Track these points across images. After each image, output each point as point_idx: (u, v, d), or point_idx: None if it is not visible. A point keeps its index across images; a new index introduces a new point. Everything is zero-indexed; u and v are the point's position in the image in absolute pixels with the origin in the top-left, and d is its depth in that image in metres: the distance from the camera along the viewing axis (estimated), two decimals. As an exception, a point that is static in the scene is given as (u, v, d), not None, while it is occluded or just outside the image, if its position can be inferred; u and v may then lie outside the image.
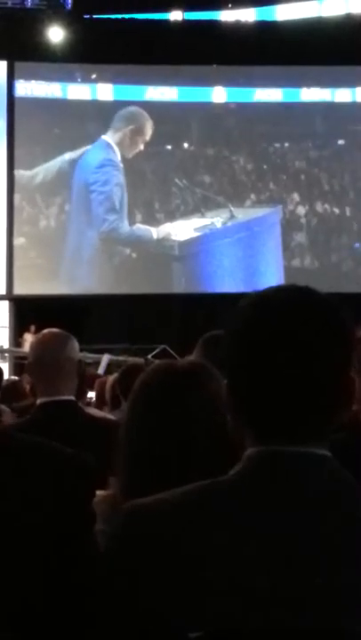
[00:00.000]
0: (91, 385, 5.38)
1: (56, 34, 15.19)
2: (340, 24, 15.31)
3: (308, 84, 16.45)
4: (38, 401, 3.00)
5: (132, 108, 15.98)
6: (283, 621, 1.17)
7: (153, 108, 16.00)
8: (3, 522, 1.55)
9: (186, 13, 15.95)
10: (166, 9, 15.72)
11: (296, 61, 15.33)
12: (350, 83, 16.54)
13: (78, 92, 16.16)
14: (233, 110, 16.45)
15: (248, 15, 16.07)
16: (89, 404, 4.59)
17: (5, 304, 15.63)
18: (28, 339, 13.17)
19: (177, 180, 16.07)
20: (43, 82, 15.90)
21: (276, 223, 16.21)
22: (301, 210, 16.44)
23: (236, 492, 1.25)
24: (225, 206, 16.00)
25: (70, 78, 16.12)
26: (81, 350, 3.24)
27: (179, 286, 15.75)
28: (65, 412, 2.96)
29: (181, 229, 15.84)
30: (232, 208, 15.95)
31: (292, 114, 16.29)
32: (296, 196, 16.40)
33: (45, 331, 3.14)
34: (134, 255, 15.86)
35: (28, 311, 13.87)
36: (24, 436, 1.82)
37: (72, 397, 3.00)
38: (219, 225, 16.00)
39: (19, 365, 12.68)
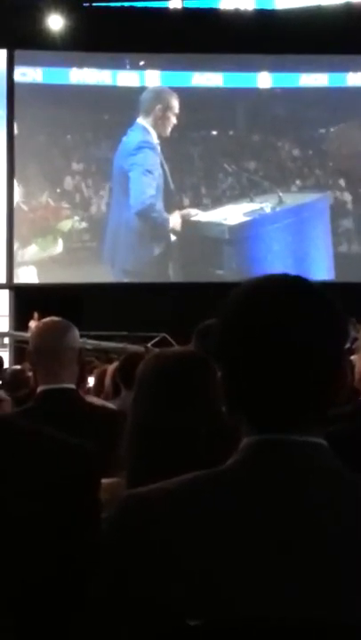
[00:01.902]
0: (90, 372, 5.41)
1: (56, 22, 15.14)
2: (339, 12, 15.25)
3: (355, 69, 16.26)
4: (39, 389, 3.01)
5: (154, 88, 16.04)
6: (283, 611, 1.17)
7: (199, 93, 15.98)
8: (3, 510, 1.57)
9: (185, 1, 15.90)
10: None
11: (296, 50, 15.26)
12: None
13: (127, 79, 16.24)
14: (279, 95, 16.34)
15: (247, 3, 16.01)
16: (88, 391, 4.61)
17: (5, 293, 15.65)
18: (33, 326, 13.17)
19: (226, 165, 16.04)
20: (94, 69, 16.01)
21: (325, 209, 16.09)
22: (348, 196, 16.30)
23: (234, 481, 1.25)
24: (273, 192, 15.93)
25: (119, 65, 16.20)
26: (80, 337, 3.27)
27: (230, 270, 15.67)
28: (65, 400, 2.98)
29: (231, 214, 15.80)
30: (281, 194, 15.88)
31: (338, 98, 16.10)
32: (342, 182, 16.28)
33: (46, 319, 3.16)
34: (184, 238, 15.86)
35: (28, 300, 13.85)
36: (27, 423, 1.84)
37: (73, 385, 3.02)
38: (268, 210, 15.93)
39: (20, 349, 12.64)
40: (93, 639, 1.27)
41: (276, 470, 1.25)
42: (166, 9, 15.76)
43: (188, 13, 15.54)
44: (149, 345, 7.93)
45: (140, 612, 1.20)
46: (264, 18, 15.36)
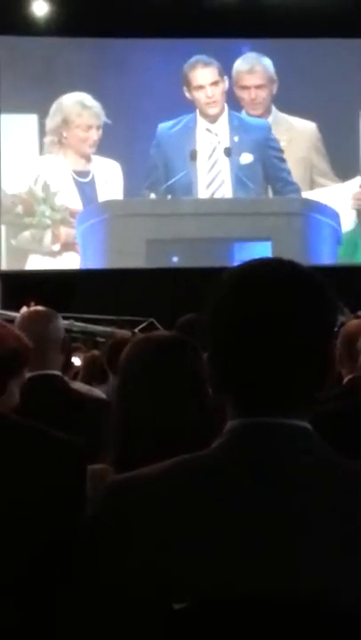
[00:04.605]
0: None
1: (40, 8, 15.01)
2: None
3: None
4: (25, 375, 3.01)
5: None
6: (265, 592, 1.17)
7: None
8: None
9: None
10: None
11: (281, 35, 15.17)
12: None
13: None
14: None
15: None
16: (75, 378, 4.62)
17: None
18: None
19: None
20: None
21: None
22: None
23: (219, 464, 1.26)
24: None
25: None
26: (68, 318, 3.29)
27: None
28: (51, 387, 2.98)
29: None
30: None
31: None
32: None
33: (30, 308, 3.19)
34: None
35: (16, 286, 13.79)
36: (16, 419, 1.84)
37: (58, 372, 3.03)
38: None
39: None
40: (83, 628, 1.27)
41: (261, 453, 1.25)
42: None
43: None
44: (137, 330, 7.89)
45: (131, 595, 1.20)
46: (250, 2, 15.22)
